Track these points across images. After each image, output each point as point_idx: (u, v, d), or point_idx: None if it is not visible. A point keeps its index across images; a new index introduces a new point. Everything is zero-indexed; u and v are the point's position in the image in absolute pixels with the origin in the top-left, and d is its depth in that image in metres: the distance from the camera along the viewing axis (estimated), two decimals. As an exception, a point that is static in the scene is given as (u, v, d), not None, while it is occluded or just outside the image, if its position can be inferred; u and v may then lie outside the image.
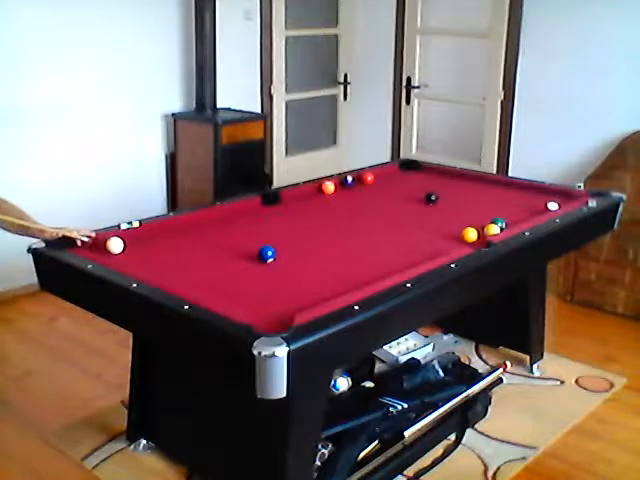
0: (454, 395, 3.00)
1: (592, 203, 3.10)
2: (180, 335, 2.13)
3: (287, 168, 5.66)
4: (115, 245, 2.50)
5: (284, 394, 1.86)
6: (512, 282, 2.96)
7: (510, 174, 4.97)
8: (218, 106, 4.88)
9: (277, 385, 1.83)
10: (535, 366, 3.45)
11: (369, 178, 3.56)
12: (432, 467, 2.75)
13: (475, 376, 3.23)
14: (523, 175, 3.88)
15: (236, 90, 5.14)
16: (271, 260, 2.49)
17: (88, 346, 3.73)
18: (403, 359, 3.37)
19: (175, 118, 4.83)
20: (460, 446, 2.88)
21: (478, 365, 3.46)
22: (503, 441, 2.92)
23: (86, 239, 2.53)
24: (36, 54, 4.17)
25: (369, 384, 3.06)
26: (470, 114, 5.41)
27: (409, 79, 5.61)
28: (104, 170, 4.59)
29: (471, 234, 2.66)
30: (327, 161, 5.89)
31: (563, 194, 3.29)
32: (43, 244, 2.49)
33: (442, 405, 2.93)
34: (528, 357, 3.46)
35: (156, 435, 2.84)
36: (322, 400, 2.31)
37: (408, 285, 2.22)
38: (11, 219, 2.44)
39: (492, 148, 5.19)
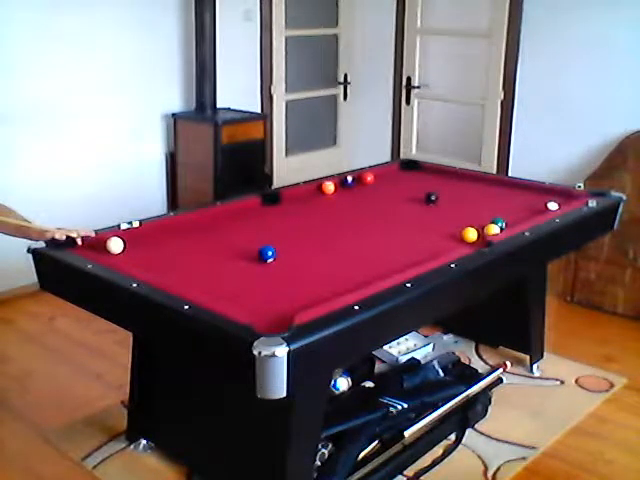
0: (454, 395, 3.00)
1: (592, 203, 3.10)
2: (180, 335, 2.13)
3: (287, 168, 5.66)
4: (115, 245, 2.50)
5: (284, 394, 1.86)
6: (512, 282, 2.96)
7: (510, 174, 4.96)
8: (218, 106, 4.88)
9: (277, 385, 1.83)
10: (535, 366, 3.45)
11: (369, 178, 3.56)
12: (432, 467, 2.75)
13: (475, 376, 3.23)
14: (523, 175, 3.88)
15: (236, 90, 5.14)
16: (271, 260, 2.49)
17: (88, 346, 3.73)
18: (403, 359, 3.37)
19: (175, 118, 4.83)
20: (460, 446, 2.88)
21: (478, 365, 3.46)
22: (503, 441, 2.92)
23: (83, 235, 2.53)
24: (36, 54, 4.17)
25: (369, 384, 3.06)
26: (470, 114, 5.41)
27: (409, 79, 5.61)
28: (104, 170, 4.59)
29: (471, 234, 2.66)
30: (327, 161, 5.89)
31: (563, 194, 3.29)
32: (43, 244, 2.49)
33: (442, 405, 2.93)
34: (528, 357, 3.46)
35: (156, 435, 2.84)
36: (322, 400, 2.31)
37: (408, 285, 2.22)
38: (12, 221, 2.44)
39: (492, 148, 5.19)
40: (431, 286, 2.30)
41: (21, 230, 2.49)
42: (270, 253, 2.50)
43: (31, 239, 2.50)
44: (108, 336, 3.61)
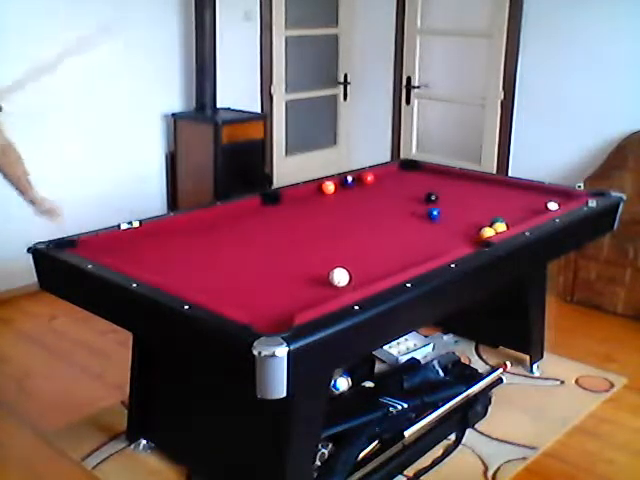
0: (454, 395, 3.00)
1: (592, 203, 3.10)
2: (180, 335, 2.13)
3: (287, 168, 5.66)
4: (339, 276, 2.28)
5: (284, 394, 1.86)
6: (512, 282, 2.95)
7: (510, 174, 4.97)
8: (218, 106, 4.88)
9: (277, 385, 1.83)
10: (535, 366, 3.45)
11: (369, 178, 3.56)
12: (432, 467, 2.75)
13: (475, 376, 3.23)
14: (523, 175, 3.89)
15: (236, 90, 5.14)
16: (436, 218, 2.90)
17: (88, 346, 3.73)
18: (403, 359, 3.37)
19: (175, 118, 4.83)
20: (460, 446, 2.88)
21: (478, 365, 3.46)
22: (503, 441, 2.92)
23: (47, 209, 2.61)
24: (36, 54, 4.16)
25: (369, 384, 3.06)
26: (470, 114, 5.41)
27: (409, 79, 5.61)
28: (104, 170, 4.59)
29: (488, 233, 2.69)
30: (327, 161, 5.89)
31: (563, 194, 3.29)
32: (43, 244, 2.49)
33: (442, 405, 2.93)
34: (528, 357, 3.46)
35: (156, 435, 2.84)
36: (322, 400, 2.31)
37: (408, 285, 2.22)
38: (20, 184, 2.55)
39: (492, 148, 5.19)
40: (431, 286, 2.29)
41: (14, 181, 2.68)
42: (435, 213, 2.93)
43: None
44: (108, 336, 3.62)
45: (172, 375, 2.73)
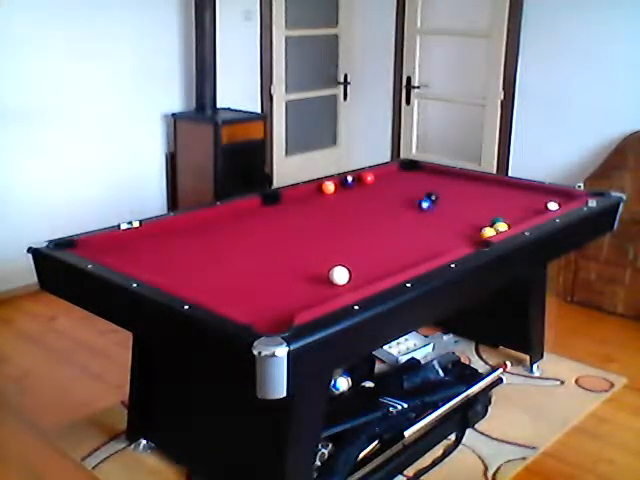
0: (454, 395, 3.00)
1: (592, 203, 3.10)
2: (180, 335, 2.13)
3: (287, 168, 5.66)
4: (339, 275, 2.30)
5: (284, 394, 1.86)
6: (512, 282, 2.95)
7: (510, 174, 4.97)
8: (218, 106, 4.88)
9: (277, 385, 1.83)
10: (535, 366, 3.45)
11: (369, 178, 3.56)
12: (432, 467, 2.75)
13: (475, 376, 3.23)
14: (523, 175, 3.88)
15: (236, 90, 5.15)
16: (427, 207, 3.01)
17: (88, 346, 3.73)
18: (403, 359, 3.37)
19: (175, 118, 4.83)
20: (460, 446, 2.88)
21: (478, 365, 3.46)
22: (503, 441, 2.92)
23: None
24: (36, 54, 4.17)
25: (369, 384, 3.06)
26: (470, 114, 5.41)
27: (409, 79, 5.61)
28: (104, 170, 4.59)
29: (488, 233, 2.69)
30: (327, 161, 5.89)
31: (563, 194, 3.29)
32: (44, 244, 2.49)
33: (442, 405, 2.93)
34: (528, 357, 3.46)
35: (156, 435, 2.84)
36: (322, 400, 2.31)
37: (408, 285, 2.22)
38: None
39: (492, 148, 5.19)
40: (431, 286, 2.29)
41: None
42: (426, 204, 3.03)
43: None
44: (108, 336, 3.62)
45: (172, 375, 2.73)
